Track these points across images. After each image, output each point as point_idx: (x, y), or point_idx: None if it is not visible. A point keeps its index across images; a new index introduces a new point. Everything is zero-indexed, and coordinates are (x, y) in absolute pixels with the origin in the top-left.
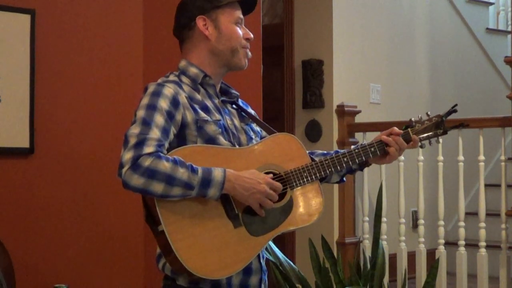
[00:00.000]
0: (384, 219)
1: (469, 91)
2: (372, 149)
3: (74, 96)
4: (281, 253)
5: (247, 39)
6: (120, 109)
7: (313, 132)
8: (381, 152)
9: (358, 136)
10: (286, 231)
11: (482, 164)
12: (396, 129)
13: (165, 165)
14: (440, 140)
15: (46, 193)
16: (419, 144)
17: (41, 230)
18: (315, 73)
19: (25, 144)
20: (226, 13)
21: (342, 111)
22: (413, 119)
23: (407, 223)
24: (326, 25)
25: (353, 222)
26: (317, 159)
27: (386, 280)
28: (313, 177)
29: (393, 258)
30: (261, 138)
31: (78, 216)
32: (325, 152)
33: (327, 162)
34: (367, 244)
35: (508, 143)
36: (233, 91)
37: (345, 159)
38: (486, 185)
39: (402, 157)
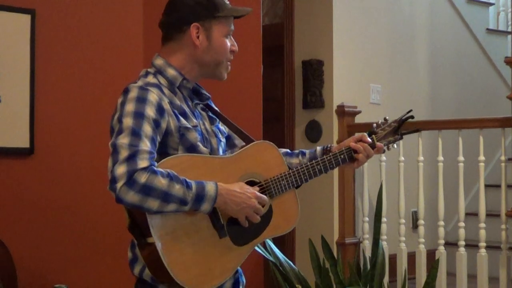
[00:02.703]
0: (384, 219)
1: (469, 91)
2: (342, 156)
3: (73, 97)
4: (281, 253)
5: (232, 52)
6: None
7: (313, 132)
8: (349, 159)
9: None
10: (267, 239)
11: (482, 164)
12: (366, 136)
13: (161, 182)
14: (395, 146)
15: (46, 193)
16: (383, 149)
17: (41, 230)
18: (315, 74)
19: (25, 144)
20: (221, 25)
21: (342, 112)
22: (374, 125)
23: (407, 224)
24: (326, 25)
25: (353, 222)
26: (285, 159)
27: (386, 280)
28: (291, 185)
29: (393, 258)
30: (227, 138)
31: (78, 216)
32: (290, 151)
33: (302, 170)
34: (367, 245)
35: (508, 144)
36: (204, 92)
37: (318, 167)
38: (486, 186)
39: (402, 158)
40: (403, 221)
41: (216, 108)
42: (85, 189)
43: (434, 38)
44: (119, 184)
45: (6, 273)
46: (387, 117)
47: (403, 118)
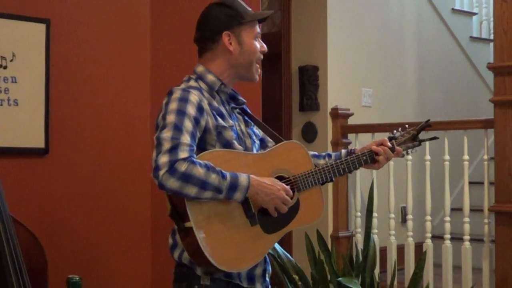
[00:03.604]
0: (375, 214)
1: (455, 95)
2: (364, 157)
3: (86, 100)
4: (279, 246)
5: (262, 52)
6: (129, 112)
7: (309, 133)
8: (371, 160)
9: (351, 137)
10: (294, 229)
11: (466, 163)
12: (386, 140)
13: (199, 171)
14: (413, 151)
15: (60, 190)
16: (402, 153)
17: (55, 225)
18: (311, 78)
19: (41, 144)
20: (248, 29)
21: (336, 114)
22: (395, 131)
23: (396, 218)
24: (321, 33)
25: (346, 217)
26: (313, 160)
27: (377, 271)
28: (317, 182)
29: (383, 250)
30: (261, 140)
31: (90, 211)
32: (317, 154)
33: (328, 169)
34: (359, 238)
35: (491, 144)
36: (240, 97)
37: (342, 166)
38: (470, 183)
39: None
40: (392, 216)
41: (251, 113)
42: (97, 186)
43: (422, 45)
44: (161, 172)
45: (37, 268)
46: (406, 126)
47: (421, 126)
